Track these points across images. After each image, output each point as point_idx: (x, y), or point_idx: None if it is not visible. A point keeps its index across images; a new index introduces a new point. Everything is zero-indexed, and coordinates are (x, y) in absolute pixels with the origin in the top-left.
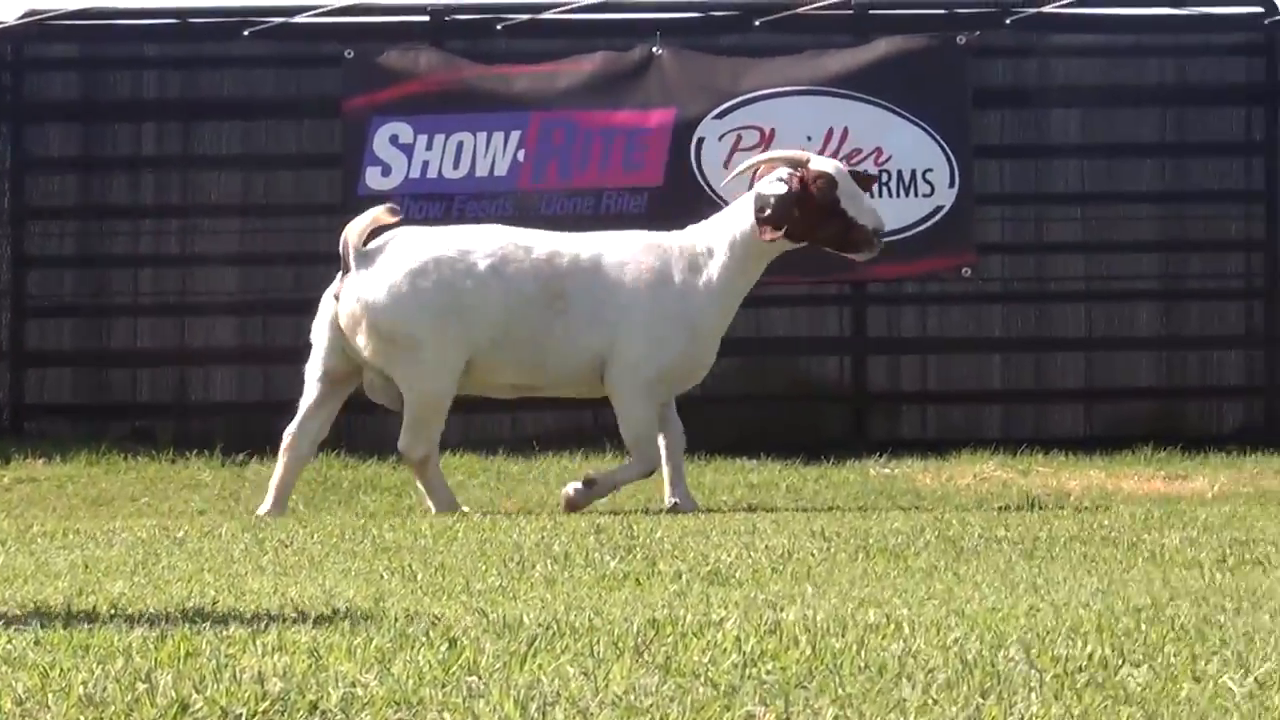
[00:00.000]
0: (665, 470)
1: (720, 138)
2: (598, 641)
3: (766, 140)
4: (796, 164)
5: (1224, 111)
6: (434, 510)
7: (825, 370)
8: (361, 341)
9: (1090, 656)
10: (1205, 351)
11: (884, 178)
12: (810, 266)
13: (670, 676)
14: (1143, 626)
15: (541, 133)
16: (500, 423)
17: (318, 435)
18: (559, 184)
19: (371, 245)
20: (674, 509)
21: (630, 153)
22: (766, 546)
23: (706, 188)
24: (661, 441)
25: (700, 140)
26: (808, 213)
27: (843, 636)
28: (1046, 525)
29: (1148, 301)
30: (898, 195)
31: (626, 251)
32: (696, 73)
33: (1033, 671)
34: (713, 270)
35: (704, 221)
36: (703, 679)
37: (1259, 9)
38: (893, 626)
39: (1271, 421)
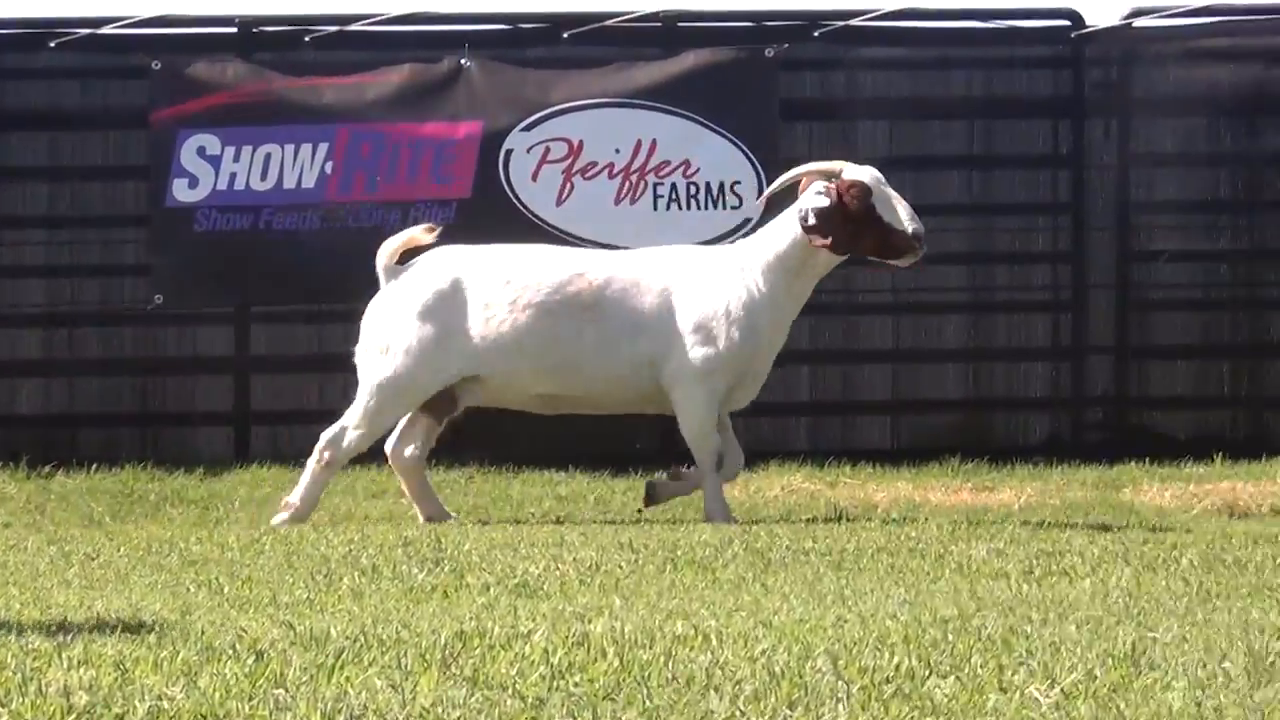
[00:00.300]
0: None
1: (528, 150)
2: (405, 654)
3: (575, 152)
4: (831, 175)
5: (1031, 124)
6: (289, 500)
7: None
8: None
9: (897, 667)
10: (1012, 364)
11: (691, 190)
12: None
13: (478, 689)
14: (949, 637)
15: (350, 145)
16: (313, 435)
17: (419, 449)
18: (366, 196)
19: (405, 265)
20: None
21: (438, 165)
22: (575, 559)
23: (515, 200)
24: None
25: (509, 152)
26: (846, 224)
27: (650, 648)
28: (854, 537)
29: (955, 314)
30: (705, 208)
31: (673, 260)
32: (504, 85)
33: (840, 682)
34: (761, 282)
35: (751, 235)
36: (510, 691)
37: (1065, 22)
38: (700, 638)
39: (1077, 433)
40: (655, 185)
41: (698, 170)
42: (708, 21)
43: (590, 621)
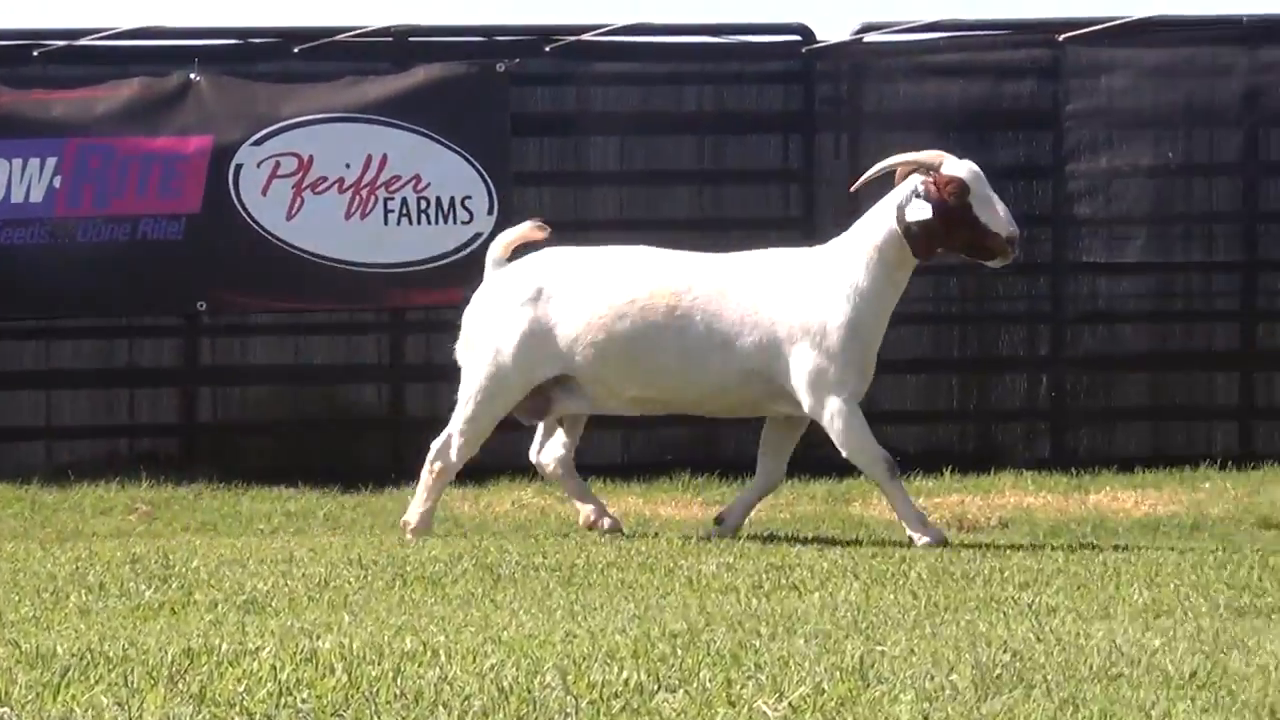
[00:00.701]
0: (745, 491)
1: (259, 164)
2: (132, 671)
3: (305, 167)
4: (929, 168)
5: (762, 139)
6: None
7: (363, 397)
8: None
9: (626, 682)
10: None
11: (422, 205)
12: (352, 294)
13: (205, 706)
14: (679, 652)
15: (78, 159)
16: (35, 451)
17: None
18: (95, 210)
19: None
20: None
21: (168, 179)
22: (304, 574)
23: (245, 214)
24: (761, 464)
25: (239, 167)
26: (941, 221)
27: (379, 664)
28: (584, 552)
29: None
30: (436, 222)
31: (772, 265)
32: (234, 99)
33: (569, 697)
34: (862, 279)
35: (844, 234)
36: (238, 708)
37: (796, 37)
38: (429, 654)
39: (808, 448)
40: (386, 200)
41: (429, 185)
42: (439, 36)
43: (318, 638)
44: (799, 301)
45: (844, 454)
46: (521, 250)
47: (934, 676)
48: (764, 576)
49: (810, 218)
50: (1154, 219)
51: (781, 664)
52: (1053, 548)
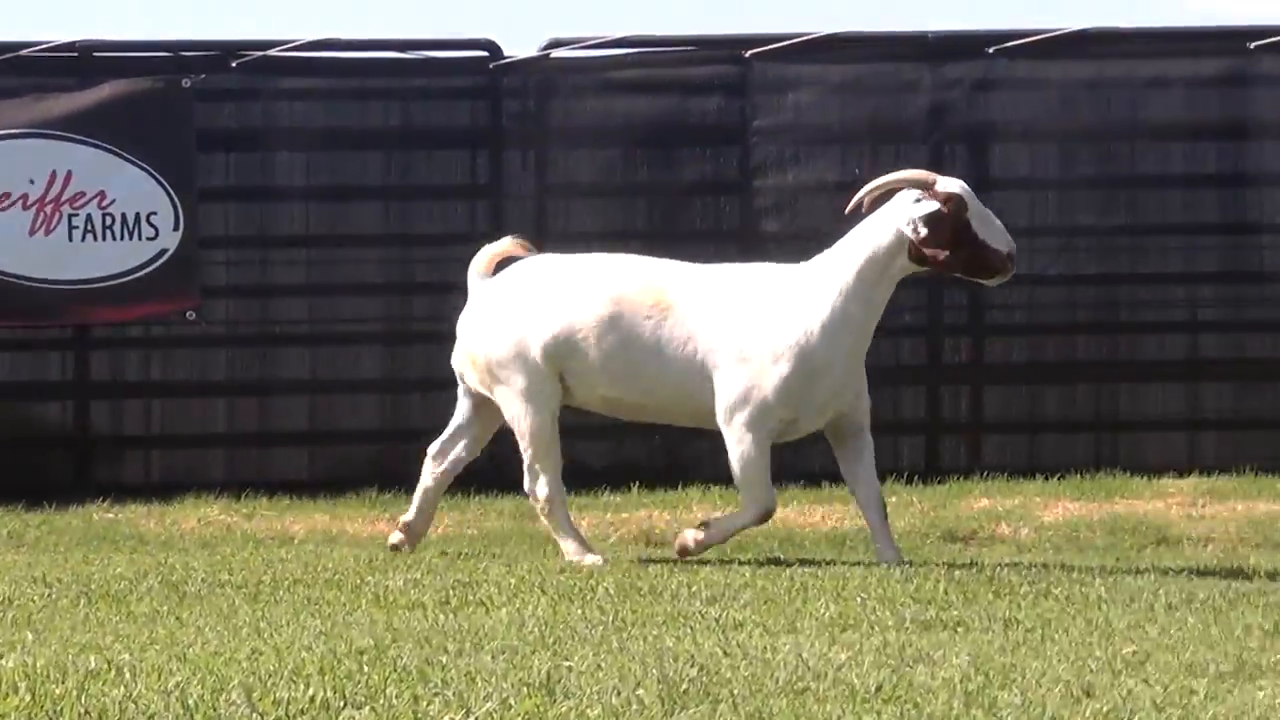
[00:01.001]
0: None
1: None
2: None
3: None
4: (922, 185)
5: (449, 155)
6: (568, 556)
7: (47, 415)
8: (472, 377)
9: (313, 699)
10: (430, 394)
11: (107, 220)
12: (37, 311)
13: None
14: (365, 668)
15: None
16: None
17: (458, 456)
18: None
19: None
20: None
21: None
22: None
23: None
24: (856, 490)
25: None
26: (946, 235)
27: (63, 683)
28: (270, 569)
29: (372, 344)
30: (121, 238)
31: (734, 281)
32: None
33: (255, 715)
34: (831, 299)
35: (828, 250)
36: None
37: (483, 53)
38: (114, 672)
39: (499, 464)
40: (70, 216)
41: (114, 201)
42: (125, 52)
43: (2, 657)
44: (759, 321)
45: (732, 469)
46: (505, 264)
47: (620, 691)
48: (451, 592)
49: (498, 233)
50: (841, 234)
51: (468, 680)
52: (740, 562)
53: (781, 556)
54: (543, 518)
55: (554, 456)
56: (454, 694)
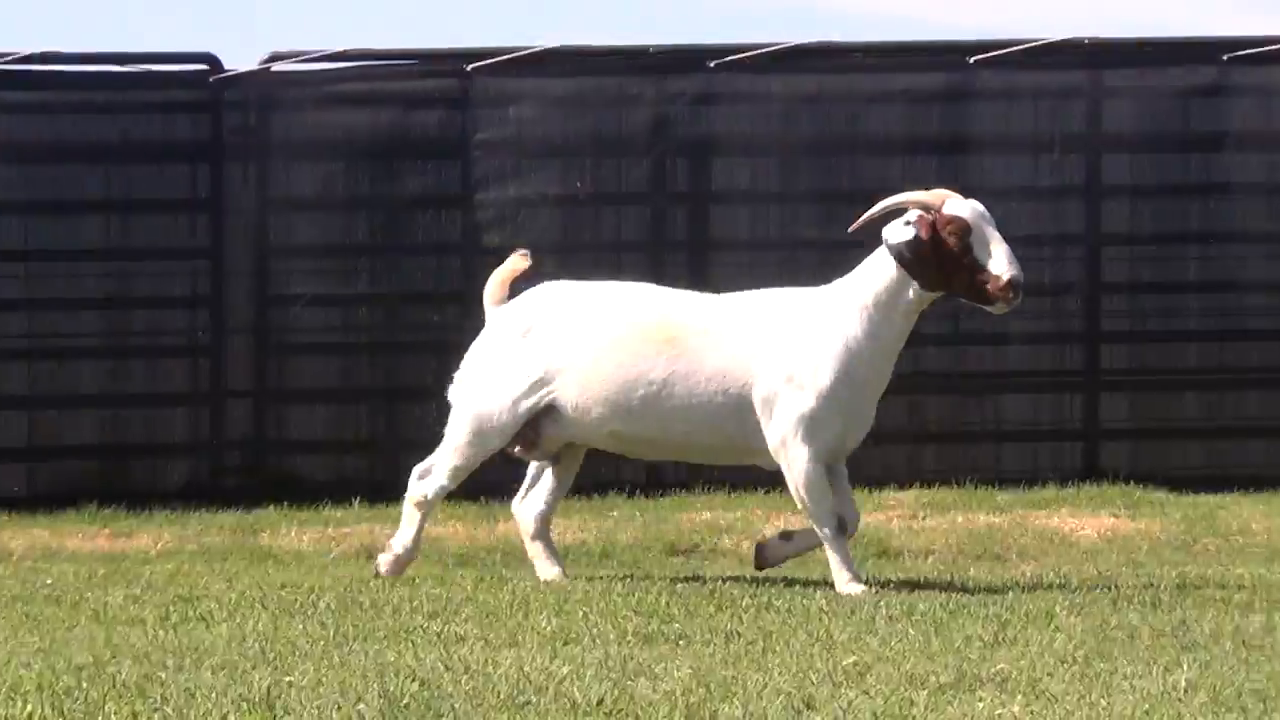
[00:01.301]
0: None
1: None
2: None
3: None
4: (929, 207)
5: (170, 168)
6: (393, 542)
7: None
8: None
9: (30, 716)
10: (151, 408)
11: None
12: None
13: None
14: (84, 685)
15: None
16: None
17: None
18: None
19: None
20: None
21: None
22: None
23: None
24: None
25: None
26: (938, 260)
27: None
28: None
29: (92, 359)
30: None
31: (767, 305)
32: None
33: None
34: (855, 323)
35: (848, 275)
36: None
37: (204, 66)
38: None
39: (216, 477)
40: None
41: None
42: None
43: None
44: (790, 346)
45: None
46: (518, 284)
47: (341, 706)
48: (171, 608)
49: (219, 248)
50: (562, 248)
51: (188, 696)
52: (462, 576)
53: (503, 570)
54: (409, 505)
55: (458, 477)
56: (173, 710)
